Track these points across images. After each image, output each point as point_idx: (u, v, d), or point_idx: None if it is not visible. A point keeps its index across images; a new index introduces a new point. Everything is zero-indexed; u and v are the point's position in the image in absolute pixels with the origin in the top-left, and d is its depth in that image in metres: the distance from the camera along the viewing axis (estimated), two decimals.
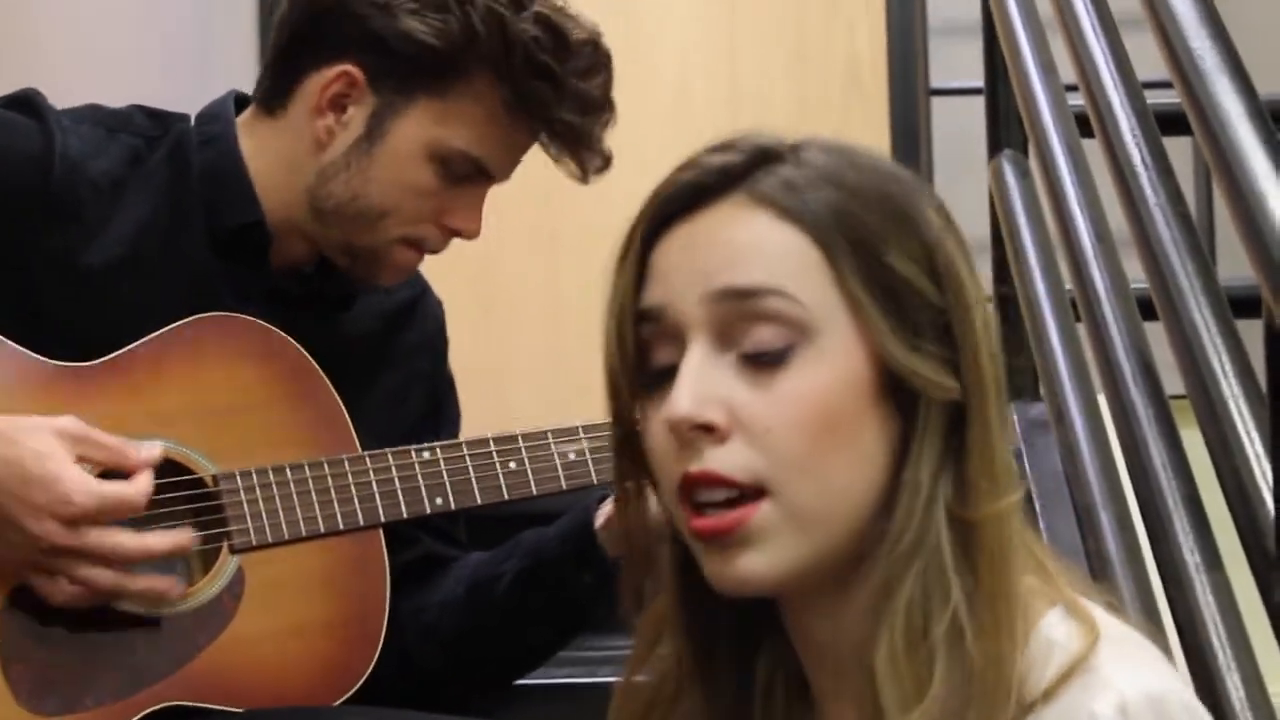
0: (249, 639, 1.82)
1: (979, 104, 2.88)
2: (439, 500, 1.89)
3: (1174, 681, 1.16)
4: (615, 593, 1.31)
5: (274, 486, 1.84)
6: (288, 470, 1.85)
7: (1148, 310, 2.01)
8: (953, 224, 1.24)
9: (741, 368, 1.18)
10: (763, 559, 1.17)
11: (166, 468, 1.82)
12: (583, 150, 1.94)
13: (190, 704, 1.79)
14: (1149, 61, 2.08)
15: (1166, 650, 1.77)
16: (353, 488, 1.86)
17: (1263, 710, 1.56)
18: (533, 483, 1.90)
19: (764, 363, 1.18)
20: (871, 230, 1.19)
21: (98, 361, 1.83)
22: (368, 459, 1.88)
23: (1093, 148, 2.23)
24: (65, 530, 1.72)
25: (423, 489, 1.88)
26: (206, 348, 1.87)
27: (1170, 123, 2.02)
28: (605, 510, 1.89)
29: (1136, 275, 2.07)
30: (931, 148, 4.36)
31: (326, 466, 1.86)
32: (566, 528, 1.94)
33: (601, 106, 1.94)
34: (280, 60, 1.96)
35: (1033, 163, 2.49)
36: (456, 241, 1.98)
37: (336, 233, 1.92)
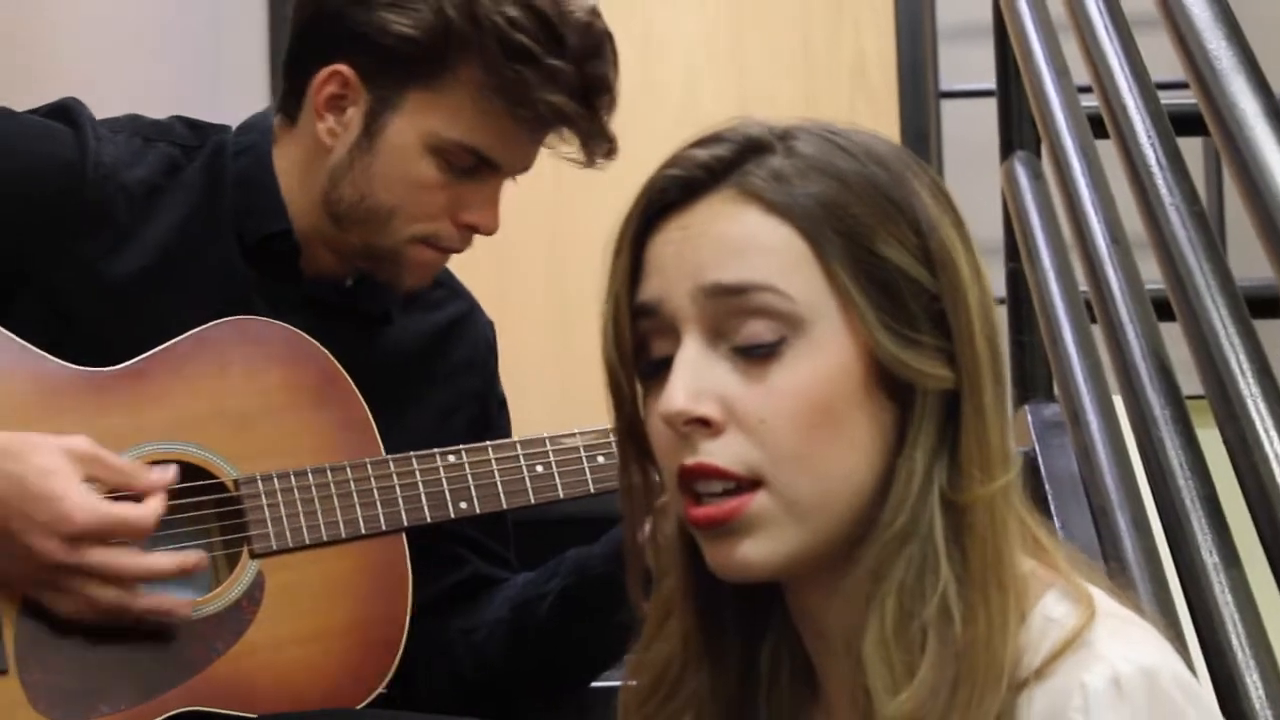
0: (267, 645, 1.81)
1: (989, 106, 2.88)
2: (463, 505, 1.88)
3: (1168, 656, 1.17)
4: None
5: (295, 490, 1.84)
6: (309, 474, 1.84)
7: (1162, 310, 2.01)
8: (951, 206, 1.24)
9: (735, 361, 1.19)
10: (760, 547, 1.19)
11: (188, 471, 1.82)
12: (578, 133, 1.91)
13: (207, 710, 1.79)
14: (1158, 62, 2.09)
15: (1182, 642, 1.79)
16: (375, 491, 1.86)
17: None
18: (559, 486, 1.90)
19: (756, 356, 1.19)
20: (861, 221, 1.20)
21: (120, 366, 1.83)
22: (391, 463, 1.87)
23: (1104, 149, 2.24)
24: (66, 548, 1.71)
25: (447, 493, 1.88)
26: (229, 351, 1.87)
27: (1183, 123, 2.03)
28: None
29: (1150, 276, 2.07)
30: (941, 150, 4.36)
31: (349, 470, 1.86)
32: (611, 545, 1.91)
33: (596, 87, 1.90)
34: (288, 67, 1.97)
35: (1045, 164, 2.49)
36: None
37: (354, 236, 1.92)
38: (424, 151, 1.89)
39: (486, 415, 2.08)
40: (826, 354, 1.19)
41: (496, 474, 1.89)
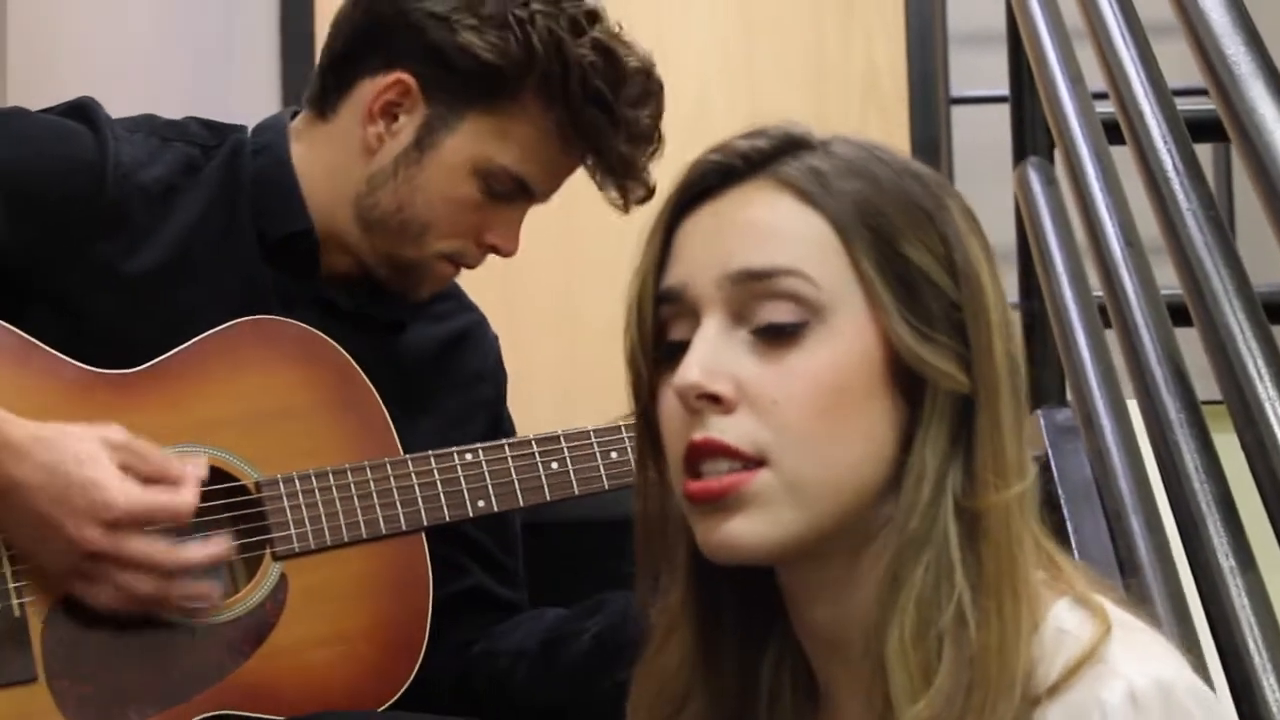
0: (292, 647, 1.82)
1: (999, 112, 2.88)
2: (481, 503, 1.89)
3: (1182, 669, 1.17)
4: None
5: (316, 492, 1.84)
6: (330, 475, 1.85)
7: (1177, 315, 2.02)
8: (979, 228, 1.26)
9: (754, 344, 1.20)
10: (752, 525, 1.18)
11: (210, 474, 1.83)
12: (629, 180, 1.94)
13: (233, 713, 1.79)
14: (1169, 69, 2.10)
15: (1197, 648, 1.79)
16: (395, 491, 1.86)
17: None
18: (574, 483, 1.91)
19: (776, 339, 1.20)
20: (891, 221, 1.21)
21: (139, 368, 1.84)
22: (410, 462, 1.88)
23: (1117, 154, 2.24)
24: (106, 535, 1.72)
25: (465, 491, 1.88)
26: (247, 352, 1.87)
27: (1196, 129, 2.03)
28: None
29: (1164, 281, 2.08)
30: (952, 156, 4.36)
31: (369, 470, 1.86)
32: None
33: (650, 137, 1.94)
34: (335, 63, 1.96)
35: (1059, 169, 2.49)
36: None
37: (381, 243, 1.92)
38: (471, 172, 1.91)
39: (499, 423, 2.08)
40: (846, 342, 1.20)
41: (513, 471, 1.90)
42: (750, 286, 1.20)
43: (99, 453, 1.73)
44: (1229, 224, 4.25)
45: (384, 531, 1.86)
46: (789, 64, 4.59)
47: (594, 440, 1.92)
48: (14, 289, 1.85)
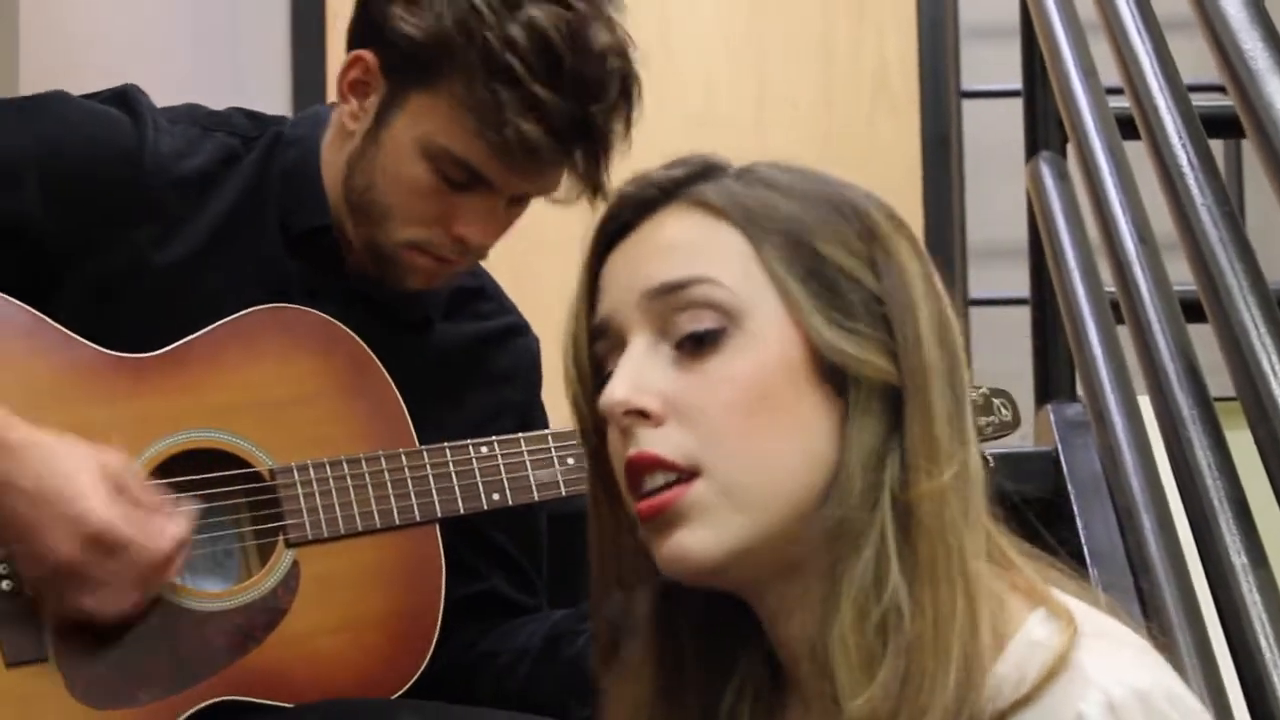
0: (303, 634, 1.81)
1: (1009, 106, 2.88)
2: (495, 496, 1.88)
3: (1159, 673, 1.16)
4: None
5: (331, 480, 1.84)
6: (344, 464, 1.85)
7: (1189, 311, 2.02)
8: (908, 230, 1.26)
9: (677, 358, 1.21)
10: (699, 536, 1.18)
11: (223, 459, 1.83)
12: (532, 169, 1.85)
13: (243, 699, 1.79)
14: (1183, 65, 2.10)
15: (1207, 646, 1.79)
16: (409, 481, 1.86)
17: None
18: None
19: (697, 349, 1.20)
20: (802, 221, 1.22)
21: (156, 353, 1.83)
22: (425, 454, 1.87)
23: (1130, 149, 2.25)
24: (77, 550, 1.71)
25: (480, 485, 1.88)
26: (264, 339, 1.87)
27: (1212, 125, 2.03)
28: None
29: (1176, 277, 2.08)
30: (963, 151, 4.36)
31: (384, 461, 1.86)
32: None
33: (585, 128, 1.83)
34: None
35: (1072, 164, 2.49)
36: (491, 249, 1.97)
37: (361, 229, 1.90)
38: (418, 155, 1.86)
39: (528, 426, 2.02)
40: (765, 344, 1.20)
41: (529, 465, 1.90)
42: (667, 300, 1.21)
43: (91, 472, 1.72)
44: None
45: (397, 521, 1.86)
46: (798, 58, 4.59)
47: None
48: (50, 272, 1.85)
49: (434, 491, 1.87)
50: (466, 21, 1.82)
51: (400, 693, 1.84)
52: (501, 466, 1.89)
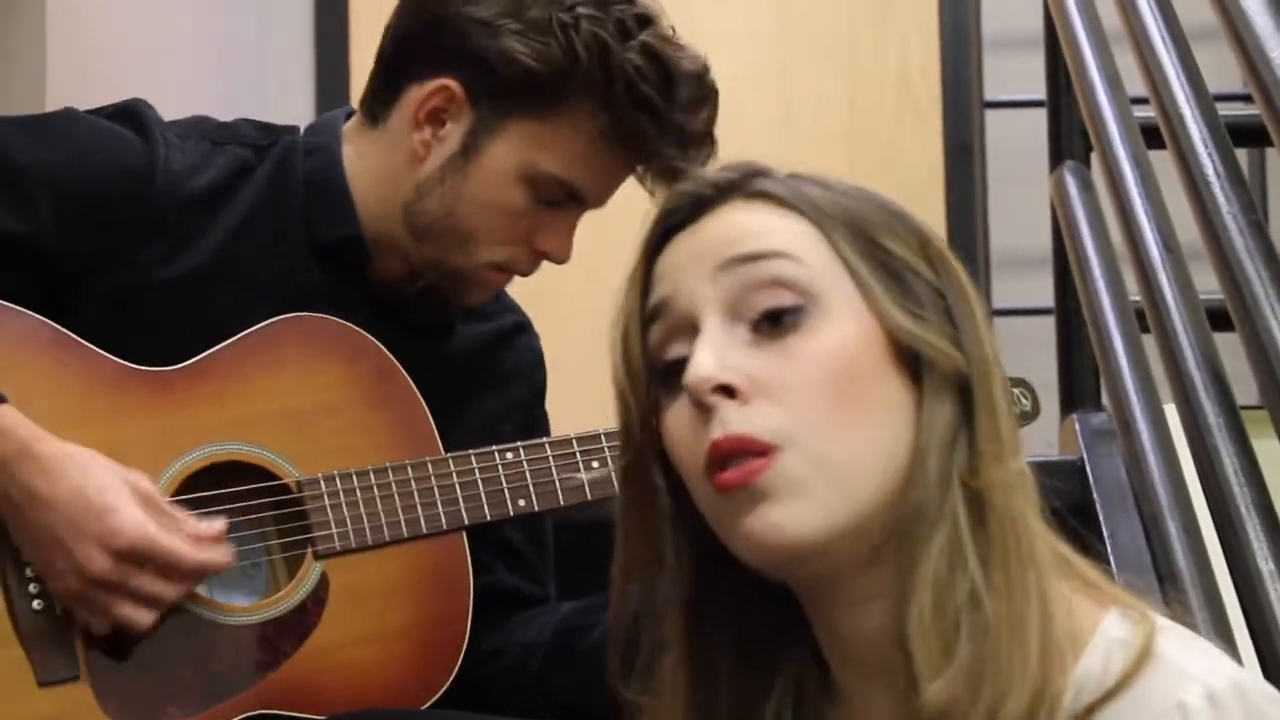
0: (333, 645, 1.81)
1: (1032, 116, 2.88)
2: (521, 502, 1.88)
3: (1244, 669, 1.17)
4: None
5: (357, 491, 1.84)
6: (371, 474, 1.85)
7: (1215, 320, 2.02)
8: (942, 242, 1.27)
9: (755, 337, 1.20)
10: (795, 511, 1.17)
11: (249, 471, 1.83)
12: (675, 182, 1.92)
13: (275, 712, 1.79)
14: (1207, 73, 2.10)
15: (1235, 654, 1.79)
16: (435, 490, 1.86)
17: None
18: (616, 484, 1.90)
19: (776, 326, 1.20)
20: (865, 217, 1.24)
21: (180, 366, 1.84)
22: (450, 461, 1.87)
23: (1155, 159, 2.25)
24: (110, 563, 1.72)
25: (506, 491, 1.88)
26: (288, 349, 1.87)
27: (1237, 134, 2.04)
28: None
29: (1202, 286, 2.08)
30: (985, 161, 4.35)
31: (409, 469, 1.86)
32: None
33: (702, 142, 1.91)
34: (385, 69, 1.95)
35: (1096, 174, 2.49)
36: None
37: (430, 250, 1.91)
38: (517, 180, 1.88)
39: (533, 426, 2.06)
40: (845, 324, 1.20)
41: (554, 471, 1.90)
42: (743, 273, 1.21)
43: (121, 486, 1.73)
44: None
45: (424, 530, 1.86)
46: (822, 67, 4.58)
47: None
48: (64, 289, 1.85)
49: (460, 500, 1.87)
50: (603, 57, 1.85)
51: (430, 702, 1.84)
52: (527, 473, 1.89)
